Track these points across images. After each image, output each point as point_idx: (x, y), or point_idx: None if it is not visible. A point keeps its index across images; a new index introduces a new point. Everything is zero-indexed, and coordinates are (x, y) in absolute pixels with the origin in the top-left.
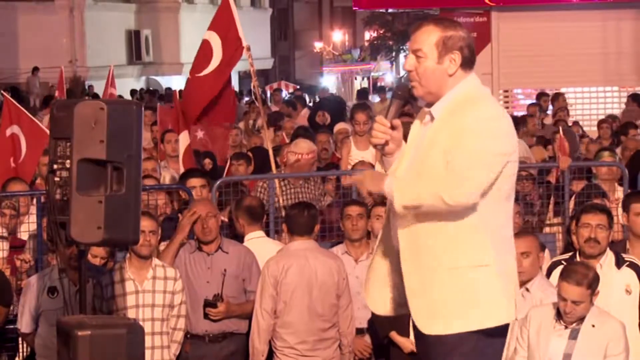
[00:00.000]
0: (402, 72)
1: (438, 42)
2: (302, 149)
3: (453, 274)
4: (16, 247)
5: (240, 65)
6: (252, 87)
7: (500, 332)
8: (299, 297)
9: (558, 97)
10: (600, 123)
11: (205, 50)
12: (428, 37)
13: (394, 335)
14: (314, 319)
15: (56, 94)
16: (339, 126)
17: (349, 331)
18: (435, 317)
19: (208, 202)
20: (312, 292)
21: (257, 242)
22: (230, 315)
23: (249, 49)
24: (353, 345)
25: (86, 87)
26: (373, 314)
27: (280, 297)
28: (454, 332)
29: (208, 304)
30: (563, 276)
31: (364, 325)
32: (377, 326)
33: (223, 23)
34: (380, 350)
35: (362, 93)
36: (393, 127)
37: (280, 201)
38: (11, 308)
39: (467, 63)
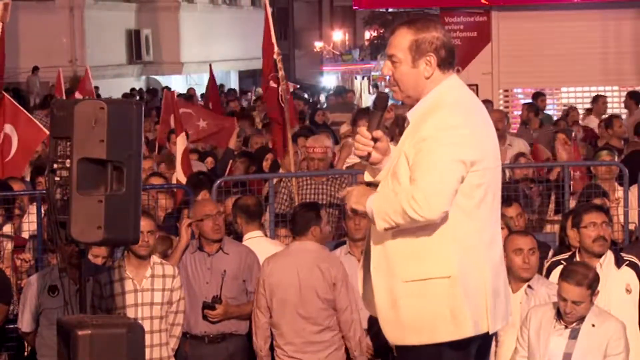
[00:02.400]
0: None
1: (411, 46)
2: (310, 143)
3: (413, 286)
4: (18, 246)
5: (241, 65)
6: (279, 93)
7: (458, 346)
8: (282, 298)
9: (598, 99)
10: (600, 122)
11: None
12: (401, 41)
13: None
14: (299, 320)
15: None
16: (345, 127)
17: (352, 335)
18: (397, 328)
19: (212, 201)
20: (297, 293)
21: (255, 242)
22: (229, 317)
23: (279, 54)
24: (363, 348)
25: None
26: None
27: (268, 296)
28: (411, 344)
29: (206, 306)
30: (563, 276)
31: (364, 326)
32: (376, 327)
33: (265, 32)
34: (380, 351)
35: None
36: (376, 139)
37: (296, 200)
38: (11, 307)
39: (445, 64)
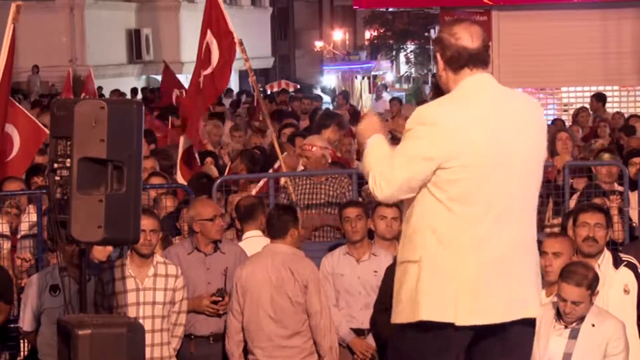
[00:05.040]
0: (402, 71)
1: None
2: (310, 141)
3: (399, 268)
4: (15, 246)
5: (242, 64)
6: (250, 83)
7: (424, 329)
8: (254, 300)
9: None
10: (598, 122)
11: (204, 49)
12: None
13: None
14: (269, 324)
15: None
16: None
17: (323, 342)
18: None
19: (212, 201)
20: (268, 296)
21: (253, 241)
22: None
23: (241, 43)
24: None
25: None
26: (374, 315)
27: (240, 299)
28: (395, 323)
29: (215, 296)
30: (563, 277)
31: (365, 326)
32: (379, 328)
33: (213, 19)
34: (381, 351)
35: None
36: None
37: (293, 198)
38: (12, 307)
39: (449, 64)
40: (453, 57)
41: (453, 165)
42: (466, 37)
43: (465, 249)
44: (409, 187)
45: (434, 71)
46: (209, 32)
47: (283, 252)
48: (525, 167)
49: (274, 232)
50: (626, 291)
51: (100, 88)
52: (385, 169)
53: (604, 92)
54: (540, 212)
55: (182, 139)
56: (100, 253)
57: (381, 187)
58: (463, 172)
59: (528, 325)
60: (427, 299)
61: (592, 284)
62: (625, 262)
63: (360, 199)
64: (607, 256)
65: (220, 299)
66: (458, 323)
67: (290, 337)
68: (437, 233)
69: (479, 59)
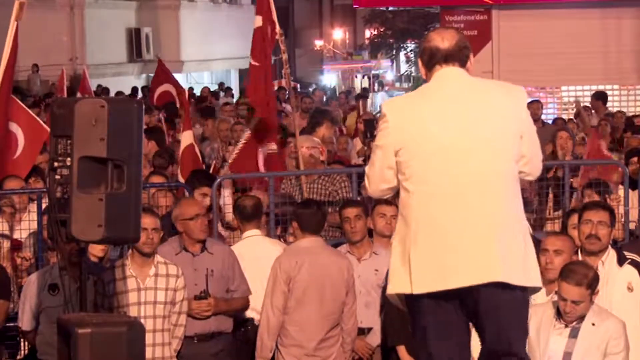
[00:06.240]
0: (403, 70)
1: None
2: (302, 142)
3: None
4: (15, 246)
5: (241, 63)
6: (283, 76)
7: (405, 298)
8: (311, 294)
9: None
10: (599, 121)
11: (257, 36)
12: None
13: (401, 350)
14: (324, 317)
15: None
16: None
17: (352, 328)
18: None
19: (198, 200)
20: (324, 290)
21: (253, 240)
22: (219, 311)
23: (282, 34)
24: (353, 345)
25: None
26: (386, 317)
27: (292, 294)
28: None
29: (198, 298)
30: (563, 276)
31: (364, 325)
32: (388, 332)
33: (263, 6)
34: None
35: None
36: None
37: (305, 196)
38: (12, 306)
39: (426, 65)
40: (427, 58)
41: (402, 147)
42: (437, 39)
43: (417, 225)
44: (380, 178)
45: None
46: (259, 17)
47: (324, 245)
48: (489, 149)
49: (317, 227)
50: (630, 289)
51: (99, 87)
52: (369, 165)
53: (604, 91)
54: (541, 211)
55: (184, 136)
56: (95, 249)
57: (365, 183)
58: (412, 155)
59: (505, 288)
60: (393, 273)
61: (592, 283)
62: (630, 260)
63: (359, 198)
64: (611, 254)
65: (204, 299)
66: (415, 292)
67: (334, 328)
68: (402, 213)
69: (450, 56)
